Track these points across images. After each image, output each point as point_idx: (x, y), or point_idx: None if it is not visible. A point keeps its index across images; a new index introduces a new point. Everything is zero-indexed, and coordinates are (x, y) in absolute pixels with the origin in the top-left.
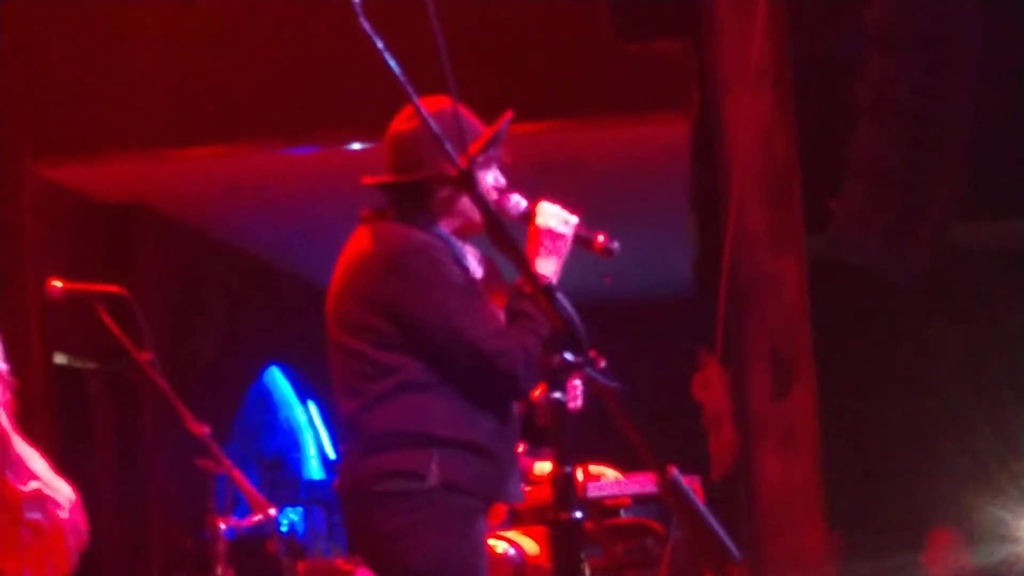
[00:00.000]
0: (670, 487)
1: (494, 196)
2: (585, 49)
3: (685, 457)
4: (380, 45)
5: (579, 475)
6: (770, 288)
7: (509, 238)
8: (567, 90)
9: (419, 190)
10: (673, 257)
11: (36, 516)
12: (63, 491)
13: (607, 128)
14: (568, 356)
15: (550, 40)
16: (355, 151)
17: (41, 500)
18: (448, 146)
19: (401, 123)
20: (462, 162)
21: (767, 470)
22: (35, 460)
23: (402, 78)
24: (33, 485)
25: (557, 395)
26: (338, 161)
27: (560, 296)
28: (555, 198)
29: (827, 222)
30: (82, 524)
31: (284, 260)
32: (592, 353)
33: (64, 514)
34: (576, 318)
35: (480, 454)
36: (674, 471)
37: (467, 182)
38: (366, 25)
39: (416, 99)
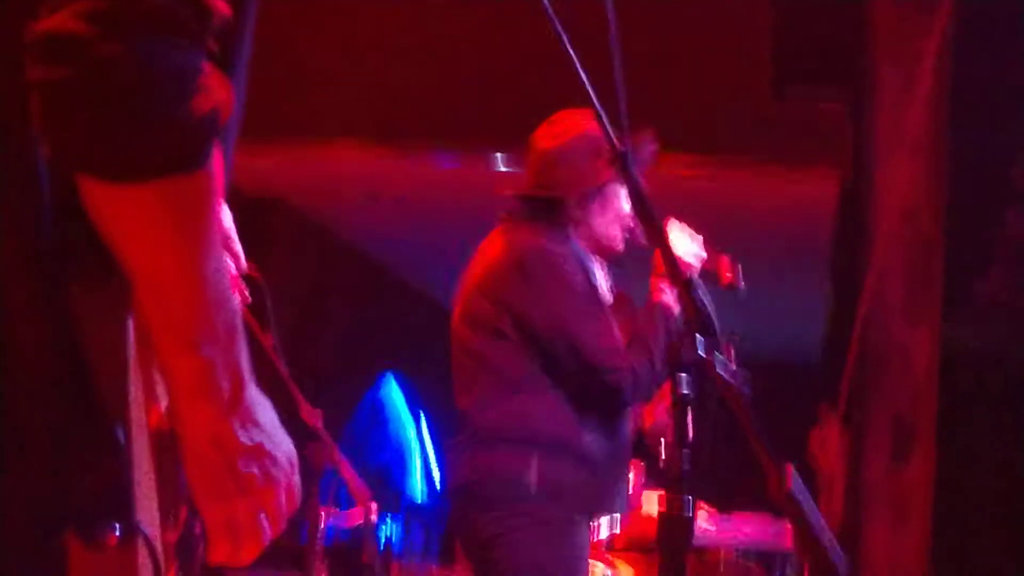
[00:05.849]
0: (786, 492)
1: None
2: (743, 91)
3: None
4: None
5: (694, 516)
6: (900, 358)
7: (658, 226)
8: (720, 128)
9: (554, 206)
10: (803, 319)
11: (251, 470)
12: (284, 447)
13: (755, 174)
14: (698, 345)
15: (708, 77)
16: (497, 172)
17: (260, 455)
18: (609, 129)
19: (546, 140)
20: (620, 145)
21: (875, 540)
22: (264, 410)
23: (586, 80)
24: (256, 438)
25: (684, 391)
26: (478, 180)
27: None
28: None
29: (967, 302)
30: (295, 488)
31: (411, 273)
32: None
33: (278, 474)
34: (712, 311)
35: (582, 461)
36: (792, 472)
37: (625, 163)
38: (556, 22)
39: (599, 110)
